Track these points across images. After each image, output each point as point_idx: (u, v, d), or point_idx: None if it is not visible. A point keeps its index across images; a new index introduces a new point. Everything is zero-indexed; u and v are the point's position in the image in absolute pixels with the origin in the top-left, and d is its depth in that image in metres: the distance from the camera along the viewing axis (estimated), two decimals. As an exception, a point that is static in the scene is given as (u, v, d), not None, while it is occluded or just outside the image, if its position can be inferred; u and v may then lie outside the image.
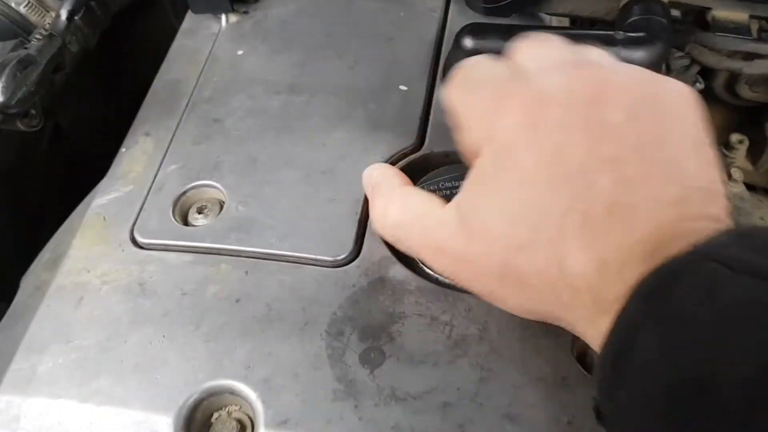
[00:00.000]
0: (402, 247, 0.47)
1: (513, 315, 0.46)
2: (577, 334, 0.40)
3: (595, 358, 0.45)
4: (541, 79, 0.40)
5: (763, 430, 0.26)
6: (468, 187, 0.42)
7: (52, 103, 0.77)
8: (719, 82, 0.72)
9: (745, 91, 0.71)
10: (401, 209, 0.45)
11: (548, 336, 0.46)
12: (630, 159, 0.36)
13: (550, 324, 0.45)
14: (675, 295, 0.31)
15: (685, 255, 0.32)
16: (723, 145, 0.73)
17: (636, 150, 0.36)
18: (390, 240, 0.48)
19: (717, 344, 0.29)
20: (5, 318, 0.54)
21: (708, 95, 0.73)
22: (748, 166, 0.72)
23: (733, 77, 0.70)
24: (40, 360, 0.47)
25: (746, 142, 0.72)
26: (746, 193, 0.69)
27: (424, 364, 0.45)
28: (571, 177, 0.36)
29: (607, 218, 0.35)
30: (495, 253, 0.39)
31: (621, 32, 0.53)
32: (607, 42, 0.53)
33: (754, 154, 0.72)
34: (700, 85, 0.68)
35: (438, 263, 0.45)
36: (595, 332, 0.36)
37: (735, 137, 0.72)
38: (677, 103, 0.38)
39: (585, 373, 0.44)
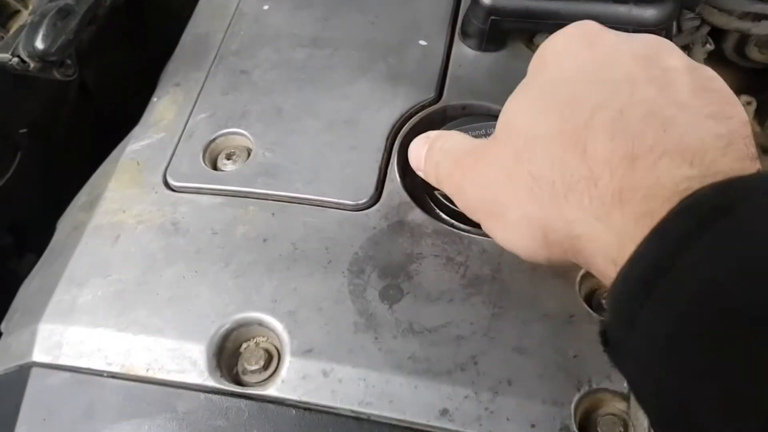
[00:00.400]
0: (438, 171, 0.46)
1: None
2: (579, 249, 0.35)
3: (601, 288, 0.47)
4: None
5: None
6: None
7: (80, 58, 0.79)
8: (729, 44, 0.74)
9: (754, 53, 0.73)
10: (454, 139, 0.46)
11: (557, 277, 0.49)
12: (680, 88, 0.34)
13: (559, 266, 0.48)
14: (743, 214, 0.27)
15: (750, 177, 0.29)
16: (731, 106, 0.74)
17: (687, 85, 0.35)
18: (432, 165, 0.47)
19: None
20: (44, 255, 0.57)
21: (718, 57, 0.75)
22: (756, 128, 0.75)
23: (743, 39, 0.72)
24: (80, 292, 0.50)
25: (754, 104, 0.74)
26: (752, 152, 0.71)
27: (440, 300, 0.48)
28: (613, 81, 0.35)
29: (643, 120, 0.33)
30: (512, 142, 0.38)
31: (633, -9, 0.55)
32: (619, 0, 0.55)
33: (761, 116, 0.74)
34: (710, 46, 0.70)
35: (455, 175, 0.44)
36: (608, 234, 0.32)
37: (743, 98, 0.74)
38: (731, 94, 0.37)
39: (591, 311, 0.47)
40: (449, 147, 0.45)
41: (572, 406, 0.43)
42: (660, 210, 0.30)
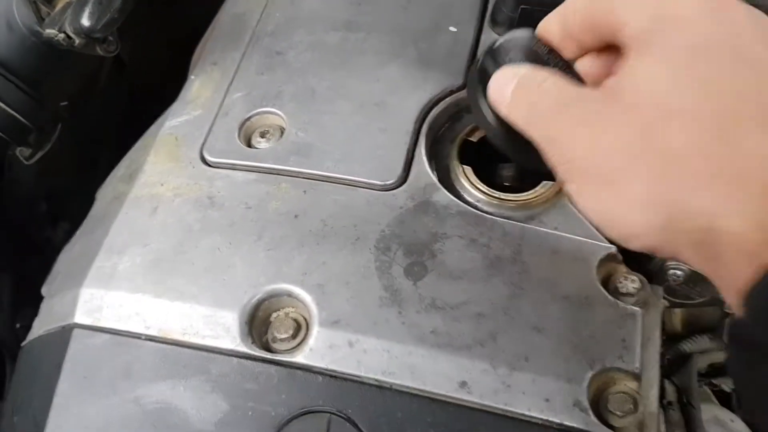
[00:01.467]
0: (531, 112, 0.39)
1: (544, 240, 0.51)
2: (708, 242, 0.32)
3: (617, 273, 0.48)
4: None
5: None
6: (624, 60, 0.37)
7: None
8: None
9: None
10: (554, 80, 0.39)
11: (575, 261, 0.51)
12: None
13: (578, 249, 0.50)
14: None
15: None
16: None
17: None
18: (523, 104, 0.40)
19: None
20: (84, 223, 0.60)
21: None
22: None
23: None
24: (120, 259, 0.53)
25: None
26: None
27: (462, 279, 0.50)
28: (753, 63, 0.32)
29: None
30: (641, 111, 0.34)
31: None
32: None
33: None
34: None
35: (557, 123, 0.38)
36: (752, 229, 0.31)
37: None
38: None
39: (607, 295, 0.49)
40: (549, 88, 0.39)
41: (585, 383, 0.45)
42: None
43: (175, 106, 0.61)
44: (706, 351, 0.59)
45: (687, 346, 0.59)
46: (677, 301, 0.58)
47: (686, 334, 0.60)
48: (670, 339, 0.58)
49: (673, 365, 0.58)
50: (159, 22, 0.91)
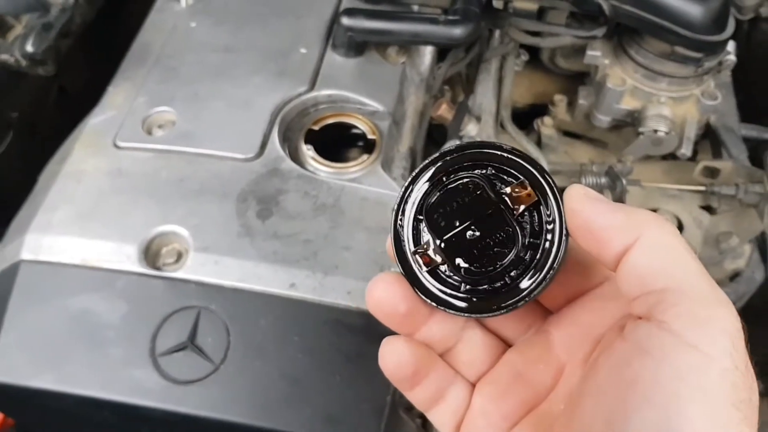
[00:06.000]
0: None
1: (357, 192, 0.73)
2: None
3: None
4: None
5: None
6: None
7: (59, 69, 1.02)
8: (545, 55, 0.99)
9: (561, 62, 0.98)
10: None
11: (377, 204, 0.73)
12: None
13: (380, 197, 0.72)
14: None
15: None
16: (550, 103, 0.99)
17: None
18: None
19: None
20: (29, 197, 0.80)
21: (538, 65, 1.01)
22: (567, 118, 0.99)
23: (554, 51, 0.97)
24: (54, 214, 0.73)
25: (565, 100, 0.98)
26: (555, 134, 0.96)
27: (296, 218, 0.72)
28: None
29: None
30: None
31: (443, 15, 0.80)
32: (432, 21, 0.80)
33: (571, 110, 0.99)
34: (525, 57, 0.95)
35: None
36: None
37: (557, 97, 0.99)
38: None
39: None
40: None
41: (373, 279, 0.67)
42: None
43: (96, 110, 0.83)
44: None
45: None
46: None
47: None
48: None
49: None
50: (101, 61, 1.12)
